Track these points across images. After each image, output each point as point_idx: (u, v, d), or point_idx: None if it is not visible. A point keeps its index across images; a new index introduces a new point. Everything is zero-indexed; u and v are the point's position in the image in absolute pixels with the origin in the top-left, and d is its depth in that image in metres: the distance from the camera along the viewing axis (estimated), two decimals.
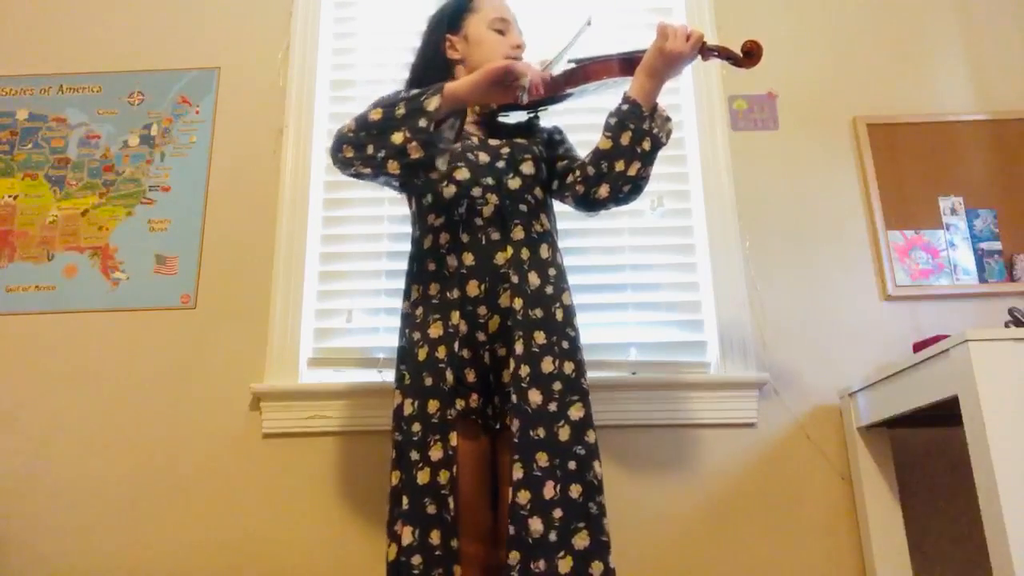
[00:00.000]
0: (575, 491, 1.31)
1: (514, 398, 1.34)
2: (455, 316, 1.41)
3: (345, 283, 2.02)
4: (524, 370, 1.36)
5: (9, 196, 2.09)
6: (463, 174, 1.48)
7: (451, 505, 1.32)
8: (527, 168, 1.52)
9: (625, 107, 1.45)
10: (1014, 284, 1.97)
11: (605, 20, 2.16)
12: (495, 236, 1.46)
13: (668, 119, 1.49)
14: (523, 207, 1.49)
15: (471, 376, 1.42)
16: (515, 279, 1.42)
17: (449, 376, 1.38)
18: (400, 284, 1.55)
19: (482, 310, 1.43)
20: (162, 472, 1.87)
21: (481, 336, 1.43)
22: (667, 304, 1.99)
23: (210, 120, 2.14)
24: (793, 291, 1.99)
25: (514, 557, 1.27)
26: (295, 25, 2.21)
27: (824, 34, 2.21)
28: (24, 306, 1.99)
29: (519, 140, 1.57)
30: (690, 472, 1.86)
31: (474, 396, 1.42)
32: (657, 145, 1.46)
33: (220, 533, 1.82)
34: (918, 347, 1.75)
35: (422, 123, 1.32)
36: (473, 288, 1.43)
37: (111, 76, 2.19)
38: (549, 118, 1.71)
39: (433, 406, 1.37)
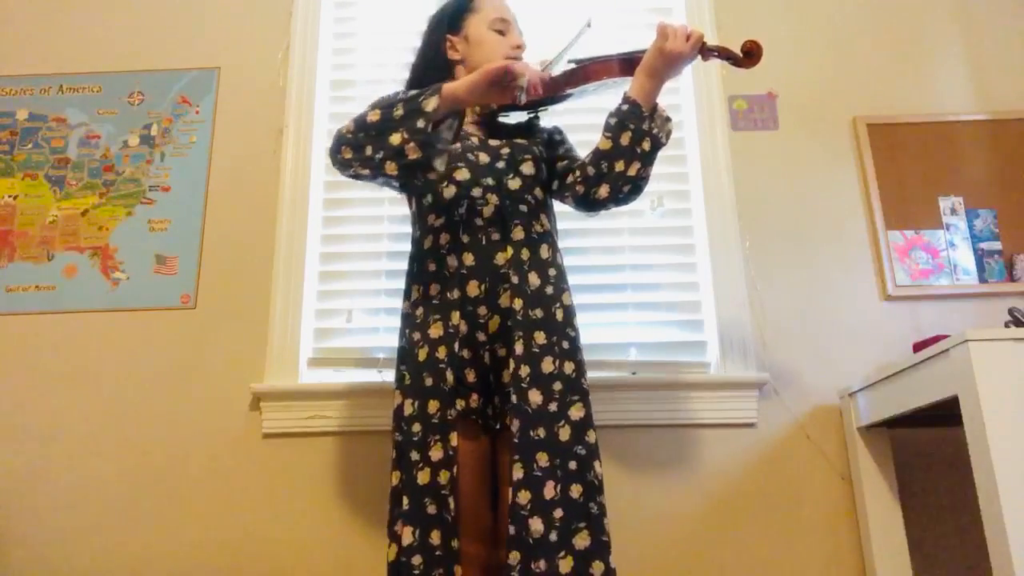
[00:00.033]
0: (576, 491, 1.31)
1: (514, 398, 1.34)
2: (455, 316, 1.41)
3: (345, 283, 2.02)
4: (524, 370, 1.36)
5: (9, 196, 2.09)
6: (463, 174, 1.48)
7: (451, 505, 1.32)
8: (527, 168, 1.52)
9: (625, 107, 1.45)
10: (1014, 284, 1.97)
11: (605, 20, 2.16)
12: (495, 236, 1.46)
13: (668, 119, 1.49)
14: (523, 207, 1.49)
15: (471, 376, 1.42)
16: (515, 279, 1.42)
17: (449, 376, 1.38)
18: (400, 284, 1.55)
19: (482, 310, 1.43)
20: (162, 472, 1.87)
21: (481, 336, 1.43)
22: (667, 304, 1.99)
23: (210, 120, 2.14)
24: (793, 291, 1.99)
25: (515, 557, 1.27)
26: (295, 25, 2.21)
27: (824, 34, 2.21)
28: (24, 306, 1.99)
29: (519, 140, 1.57)
30: (690, 472, 1.86)
31: (474, 396, 1.42)
32: (657, 145, 1.46)
33: (220, 533, 1.82)
34: (918, 347, 1.75)
35: (420, 124, 1.32)
36: (473, 288, 1.43)
37: (111, 76, 2.19)
38: (549, 118, 1.71)
39: (433, 406, 1.37)
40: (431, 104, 1.32)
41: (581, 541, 1.29)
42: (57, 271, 2.02)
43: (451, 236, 1.46)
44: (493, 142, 1.55)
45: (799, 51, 2.19)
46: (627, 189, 1.47)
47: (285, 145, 2.10)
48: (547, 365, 1.37)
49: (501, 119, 1.64)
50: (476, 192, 1.47)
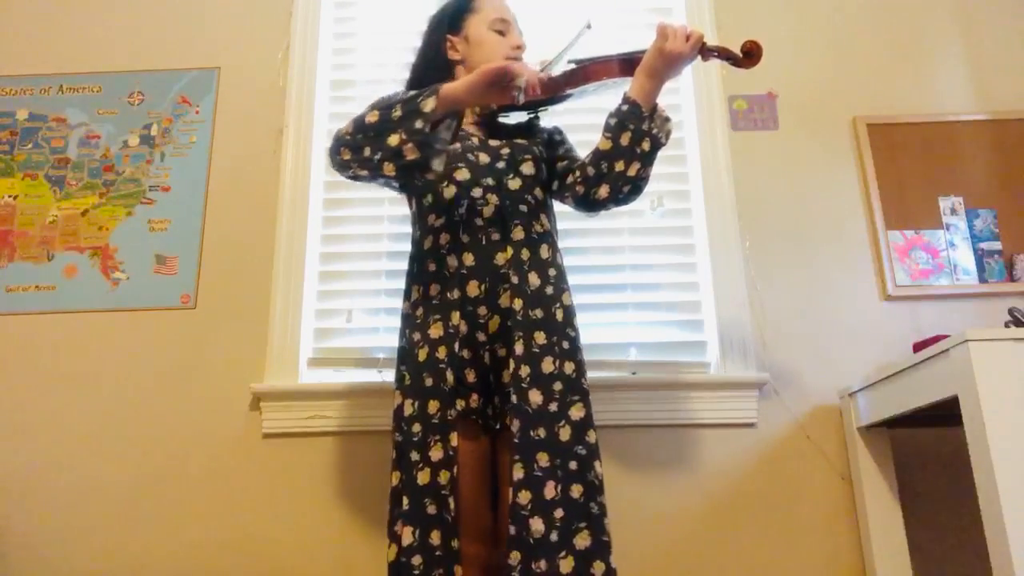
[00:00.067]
0: (576, 491, 1.31)
1: (514, 398, 1.35)
2: (455, 316, 1.41)
3: (345, 283, 2.02)
4: (524, 370, 1.36)
5: (9, 196, 2.09)
6: (463, 175, 1.48)
7: (451, 505, 1.32)
8: (527, 168, 1.52)
9: (625, 108, 1.45)
10: (1014, 284, 1.97)
11: (605, 20, 2.16)
12: (495, 236, 1.46)
13: (667, 119, 1.49)
14: (523, 207, 1.49)
15: (471, 376, 1.42)
16: (515, 279, 1.42)
17: (449, 376, 1.38)
18: (400, 284, 1.55)
19: (482, 310, 1.43)
20: (162, 472, 1.87)
21: (481, 336, 1.43)
22: (667, 304, 1.99)
23: (210, 120, 2.14)
24: (793, 291, 1.99)
25: (515, 557, 1.27)
26: (295, 25, 2.21)
27: (824, 34, 2.21)
28: (24, 306, 1.99)
29: (519, 141, 1.57)
30: (690, 472, 1.86)
31: (474, 396, 1.42)
32: (656, 145, 1.46)
33: (220, 533, 1.82)
34: (918, 347, 1.75)
35: (418, 125, 1.32)
36: (473, 288, 1.43)
37: (111, 76, 2.19)
38: (549, 118, 1.71)
39: (433, 406, 1.37)
40: (429, 105, 1.32)
41: (582, 541, 1.29)
42: (57, 271, 2.02)
43: (451, 236, 1.46)
44: (493, 142, 1.55)
45: (799, 51, 2.19)
46: (627, 189, 1.48)
47: (285, 145, 2.10)
48: (547, 365, 1.37)
49: (501, 119, 1.64)
50: (476, 192, 1.47)
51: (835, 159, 2.09)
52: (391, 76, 2.07)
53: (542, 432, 1.33)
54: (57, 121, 2.15)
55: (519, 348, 1.37)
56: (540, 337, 1.39)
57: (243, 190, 2.08)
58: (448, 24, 1.59)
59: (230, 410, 1.90)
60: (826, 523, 1.82)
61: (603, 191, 1.48)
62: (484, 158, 1.51)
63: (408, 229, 1.65)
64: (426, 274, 1.47)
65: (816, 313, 1.97)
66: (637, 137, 1.43)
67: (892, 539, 1.70)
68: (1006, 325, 1.64)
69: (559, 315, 1.43)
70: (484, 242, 1.45)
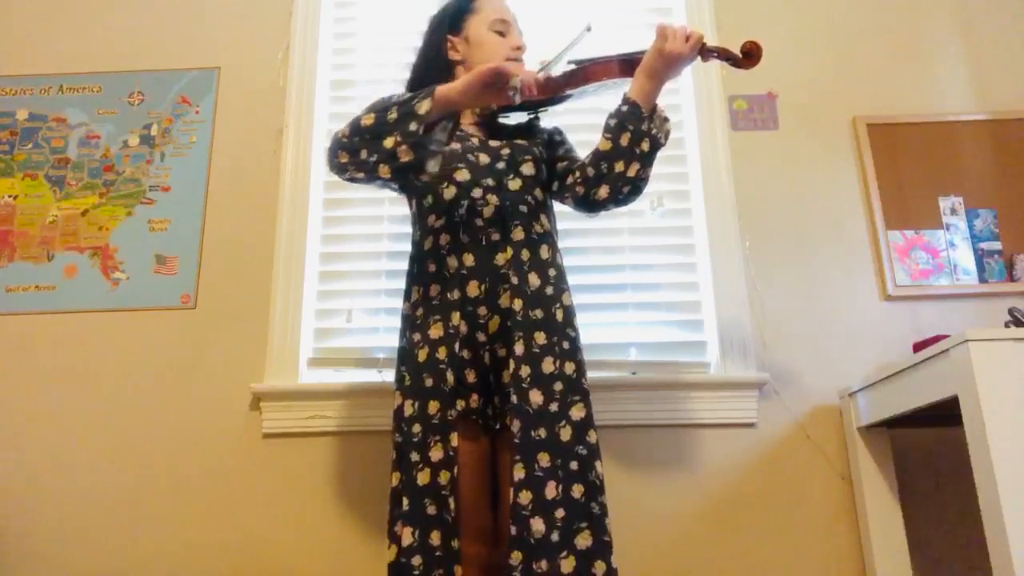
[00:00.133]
0: (577, 491, 1.31)
1: (515, 399, 1.35)
2: (455, 317, 1.41)
3: (345, 283, 2.02)
4: (525, 371, 1.36)
5: (9, 196, 2.09)
6: (463, 175, 1.48)
7: (451, 506, 1.32)
8: (527, 169, 1.52)
9: (625, 108, 1.45)
10: (1014, 284, 1.97)
11: (605, 20, 2.16)
12: (495, 237, 1.46)
13: (666, 120, 1.49)
14: (523, 208, 1.49)
15: (471, 377, 1.42)
16: (515, 280, 1.42)
17: (449, 377, 1.38)
18: (400, 284, 1.55)
19: (482, 311, 1.43)
20: (162, 472, 1.87)
21: (481, 337, 1.43)
22: (667, 304, 1.99)
23: (210, 120, 2.14)
24: (793, 291, 1.99)
25: (516, 557, 1.27)
26: (295, 25, 2.21)
27: (824, 34, 2.21)
28: (24, 306, 1.99)
29: (519, 141, 1.57)
30: (690, 472, 1.86)
31: (474, 396, 1.42)
32: (656, 146, 1.46)
33: (220, 533, 1.82)
34: (918, 347, 1.75)
35: (412, 127, 1.32)
36: (473, 289, 1.43)
37: (111, 76, 2.19)
38: (549, 119, 1.71)
39: (433, 407, 1.37)
40: (424, 107, 1.33)
41: (583, 541, 1.29)
42: (57, 271, 2.02)
43: (451, 237, 1.46)
44: (493, 143, 1.55)
45: (799, 51, 2.19)
46: (627, 190, 1.48)
47: (285, 145, 2.10)
48: (547, 365, 1.37)
49: (501, 120, 1.64)
50: (476, 193, 1.47)
51: (835, 159, 2.09)
52: (391, 76, 2.07)
53: (543, 432, 1.33)
54: (57, 121, 2.15)
55: (519, 348, 1.37)
56: (540, 337, 1.39)
57: (243, 190, 2.08)
58: (448, 24, 1.60)
59: (230, 410, 1.90)
60: (826, 523, 1.82)
61: (603, 192, 1.48)
62: (484, 159, 1.51)
63: (408, 229, 1.65)
64: (426, 275, 1.47)
65: (816, 313, 1.97)
66: (637, 138, 1.43)
67: (892, 539, 1.70)
68: (1006, 325, 1.64)
69: (559, 315, 1.43)
70: (484, 242, 1.45)
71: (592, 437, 1.37)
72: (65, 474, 1.87)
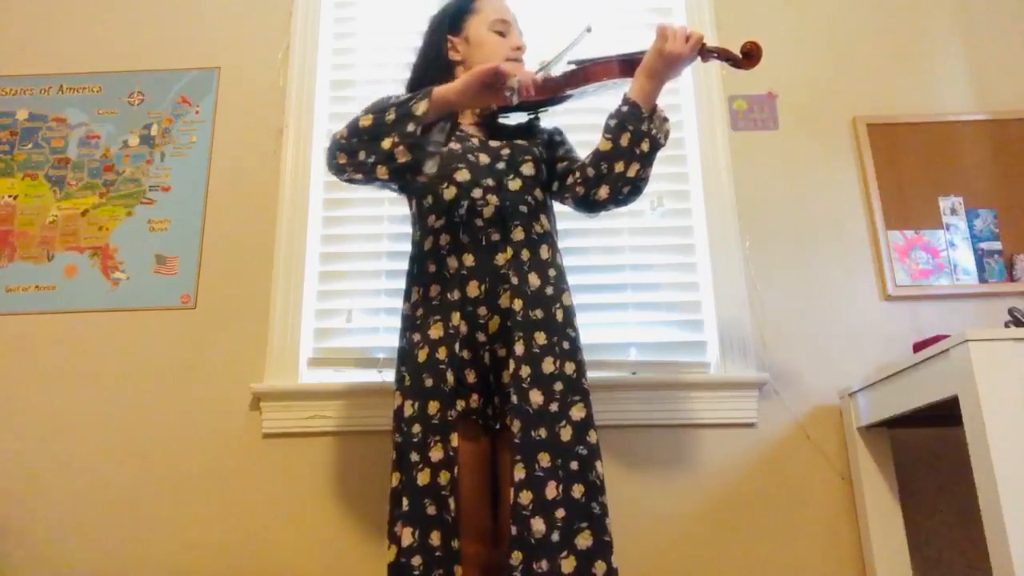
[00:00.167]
0: (577, 491, 1.31)
1: (515, 399, 1.35)
2: (455, 317, 1.41)
3: (345, 283, 2.02)
4: (525, 371, 1.36)
5: (9, 196, 2.09)
6: (463, 175, 1.48)
7: (451, 506, 1.32)
8: (527, 169, 1.52)
9: (625, 109, 1.45)
10: (1014, 284, 1.97)
11: (605, 20, 2.17)
12: (495, 237, 1.46)
13: (666, 120, 1.49)
14: (523, 208, 1.49)
15: (471, 377, 1.42)
16: (515, 280, 1.42)
17: (449, 377, 1.38)
18: (400, 284, 1.55)
19: (482, 311, 1.43)
20: (162, 472, 1.87)
21: (481, 337, 1.43)
22: (667, 304, 1.99)
23: (210, 120, 2.14)
24: (793, 291, 1.99)
25: (516, 557, 1.27)
26: (295, 25, 2.21)
27: (824, 34, 2.21)
28: (24, 306, 1.99)
29: (519, 141, 1.57)
30: (690, 472, 1.86)
31: (474, 396, 1.42)
32: (656, 146, 1.46)
33: (220, 533, 1.82)
34: (918, 347, 1.75)
35: (410, 128, 1.32)
36: (473, 289, 1.43)
37: (111, 76, 2.19)
38: (549, 119, 1.71)
39: (433, 407, 1.37)
40: (421, 108, 1.33)
41: (583, 541, 1.29)
42: (57, 271, 2.02)
43: (451, 237, 1.46)
44: (493, 143, 1.55)
45: (799, 51, 2.19)
46: (627, 190, 1.48)
47: (285, 145, 2.10)
48: (548, 365, 1.37)
49: (501, 120, 1.64)
50: (476, 193, 1.47)
51: (835, 159, 2.09)
52: (391, 76, 2.07)
53: (543, 432, 1.33)
54: (57, 121, 2.15)
55: (519, 348, 1.37)
56: (540, 337, 1.39)
57: (243, 190, 2.08)
58: (448, 25, 1.60)
59: (230, 410, 1.90)
60: (826, 523, 1.82)
61: (603, 192, 1.48)
62: (484, 159, 1.51)
63: (408, 229, 1.65)
64: (426, 275, 1.47)
65: (816, 313, 1.97)
66: (636, 138, 1.43)
67: (892, 539, 1.70)
68: (1006, 325, 1.64)
69: (559, 315, 1.43)
70: (484, 243, 1.45)
71: (592, 437, 1.37)
72: (65, 474, 1.87)
